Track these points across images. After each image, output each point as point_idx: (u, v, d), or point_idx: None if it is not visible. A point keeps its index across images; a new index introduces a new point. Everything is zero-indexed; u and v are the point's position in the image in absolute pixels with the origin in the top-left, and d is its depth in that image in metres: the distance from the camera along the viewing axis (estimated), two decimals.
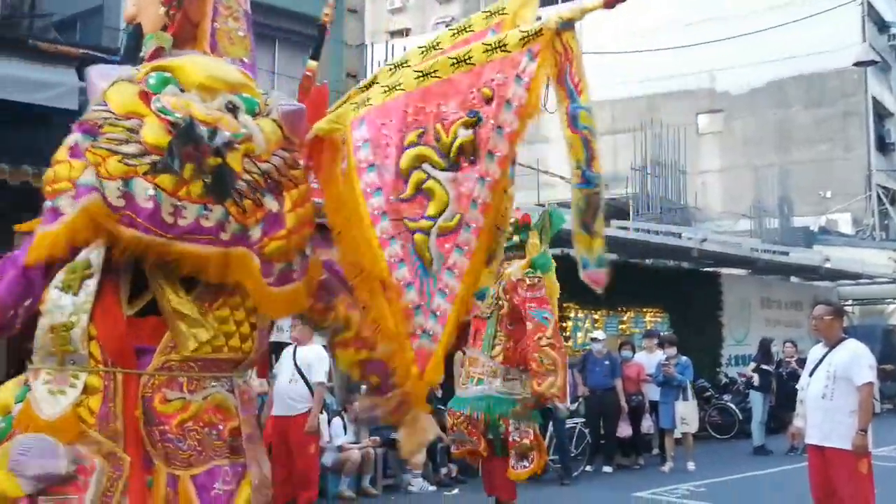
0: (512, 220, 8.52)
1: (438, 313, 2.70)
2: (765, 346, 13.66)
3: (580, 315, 14.87)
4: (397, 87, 2.77)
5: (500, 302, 8.01)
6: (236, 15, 2.86)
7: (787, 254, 18.53)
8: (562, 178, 21.06)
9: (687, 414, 11.29)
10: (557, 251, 15.96)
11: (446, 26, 4.01)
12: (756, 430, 13.15)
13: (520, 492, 9.03)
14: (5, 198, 8.72)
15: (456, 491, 9.58)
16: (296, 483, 8.43)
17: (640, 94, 25.41)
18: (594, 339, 12.04)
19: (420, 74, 2.77)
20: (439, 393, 10.66)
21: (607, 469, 11.34)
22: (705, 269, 17.74)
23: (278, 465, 8.29)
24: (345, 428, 9.66)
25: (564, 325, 14.62)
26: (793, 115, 25.48)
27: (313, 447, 8.45)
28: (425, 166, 2.72)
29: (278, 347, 9.45)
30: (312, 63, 3.28)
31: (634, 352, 12.40)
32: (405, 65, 2.99)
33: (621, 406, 11.39)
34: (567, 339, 14.56)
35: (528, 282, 7.91)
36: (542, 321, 7.61)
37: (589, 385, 11.60)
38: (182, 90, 2.49)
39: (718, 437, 14.20)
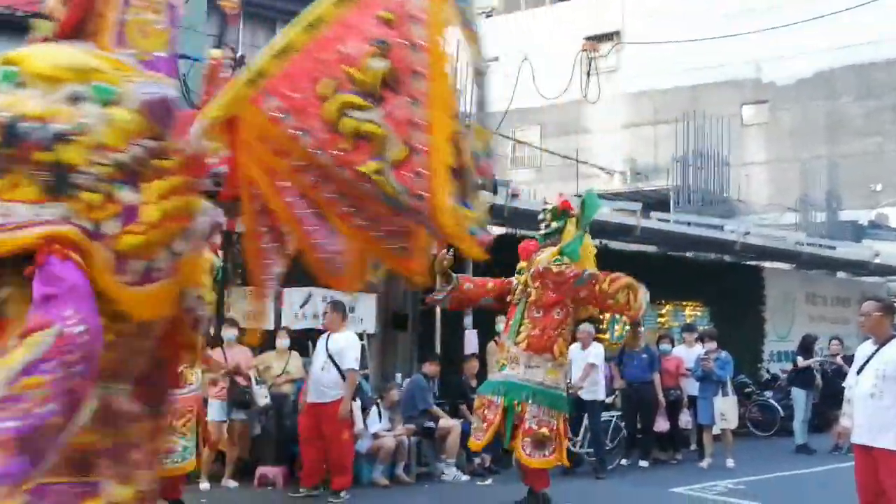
0: (550, 207, 8.53)
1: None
2: (807, 342, 13.46)
3: None
4: (289, 50, 2.68)
5: (529, 289, 8.02)
6: (157, 7, 2.75)
7: (833, 248, 18.22)
8: (602, 168, 20.99)
9: (727, 410, 11.15)
10: (596, 241, 15.96)
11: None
12: (798, 428, 12.95)
13: (555, 484, 9.05)
14: None
15: (489, 481, 9.57)
16: (330, 468, 8.55)
17: (683, 84, 25.08)
18: None
19: (307, 26, 2.69)
20: (473, 383, 10.72)
21: (643, 463, 11.25)
22: (748, 263, 17.52)
23: (311, 451, 8.49)
24: (380, 415, 9.70)
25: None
26: (842, 107, 24.97)
27: (347, 433, 8.54)
28: (352, 112, 2.64)
29: (314, 334, 9.55)
30: (216, 52, 3.23)
31: (673, 345, 12.28)
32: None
33: (659, 400, 11.33)
34: (604, 331, 14.49)
35: (554, 270, 7.91)
36: (588, 279, 7.68)
37: (626, 378, 11.55)
38: (24, 82, 2.39)
39: (759, 434, 14.03)
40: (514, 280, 8.37)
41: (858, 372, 6.11)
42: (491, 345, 11.33)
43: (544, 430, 7.69)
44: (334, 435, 8.43)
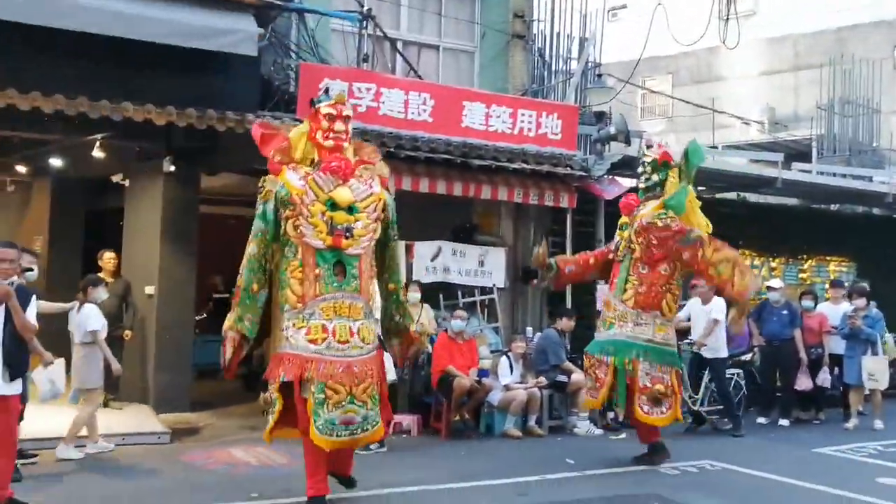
0: (650, 159, 8.49)
1: None
2: None
3: (756, 262, 14.65)
4: None
5: (633, 245, 8.08)
6: None
7: None
8: (739, 118, 20.49)
9: (876, 370, 10.91)
10: (733, 195, 15.82)
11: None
12: None
13: (687, 443, 9.24)
14: (193, 139, 9.56)
15: (623, 435, 9.73)
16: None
17: (828, 26, 24.08)
18: (770, 288, 11.80)
19: None
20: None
21: (784, 422, 11.19)
22: None
23: None
24: (511, 368, 10.02)
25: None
26: None
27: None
28: None
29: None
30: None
31: (817, 302, 12.03)
32: None
33: (800, 358, 11.19)
34: None
35: (659, 224, 7.93)
36: (693, 240, 7.68)
37: (765, 335, 11.45)
38: None
39: None
40: (616, 238, 8.44)
41: None
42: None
43: (659, 386, 7.83)
44: None
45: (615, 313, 8.06)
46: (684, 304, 10.71)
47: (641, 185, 8.54)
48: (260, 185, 6.28)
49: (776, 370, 11.45)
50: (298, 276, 6.01)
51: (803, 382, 11.23)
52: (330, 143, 6.20)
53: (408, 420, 9.71)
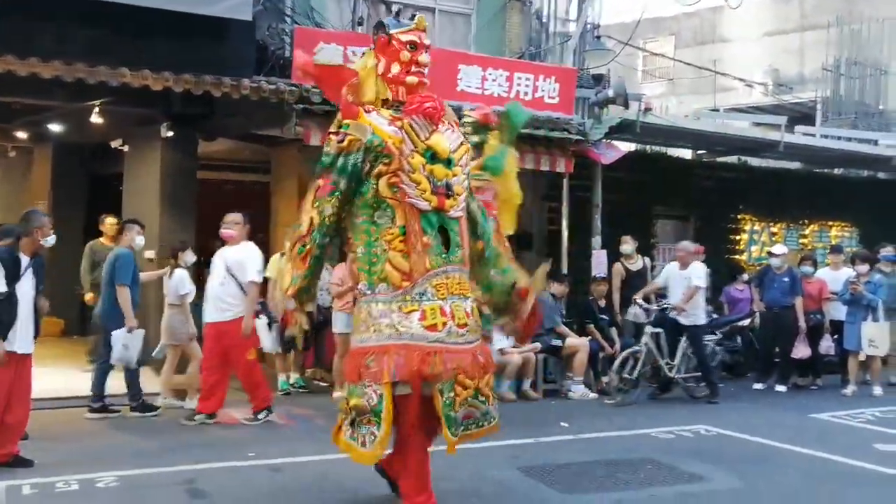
0: (471, 120, 8.33)
1: None
2: None
3: (757, 227, 14.80)
4: None
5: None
6: None
7: None
8: (742, 80, 20.51)
9: (876, 336, 10.99)
10: (734, 159, 15.93)
11: None
12: None
13: (682, 408, 9.44)
14: (190, 105, 9.69)
15: (619, 399, 9.94)
16: (246, 392, 8.51)
17: None
18: (771, 254, 11.88)
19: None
20: (602, 303, 11.11)
21: (780, 388, 11.34)
22: None
23: (212, 373, 8.36)
24: None
25: (738, 237, 14.59)
26: None
27: (251, 353, 8.28)
28: None
29: None
30: None
31: (816, 268, 12.13)
32: None
33: (799, 326, 11.25)
34: (741, 252, 14.51)
35: (475, 184, 7.84)
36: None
37: (765, 301, 11.56)
38: None
39: None
40: None
41: None
42: (616, 265, 11.64)
43: None
44: (238, 356, 8.17)
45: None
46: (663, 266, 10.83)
47: None
48: (334, 130, 4.99)
49: (775, 337, 11.54)
50: (401, 248, 4.89)
51: (801, 351, 11.30)
52: (413, 79, 5.05)
53: None
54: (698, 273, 10.29)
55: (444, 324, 4.85)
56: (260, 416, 8.32)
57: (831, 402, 10.45)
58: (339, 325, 9.59)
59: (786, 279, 11.38)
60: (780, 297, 11.37)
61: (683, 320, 10.27)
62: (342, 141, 4.86)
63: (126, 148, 11.57)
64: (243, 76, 9.28)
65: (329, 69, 5.06)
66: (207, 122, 10.48)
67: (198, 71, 9.04)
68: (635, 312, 10.64)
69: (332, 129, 4.99)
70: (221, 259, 8.30)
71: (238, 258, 8.20)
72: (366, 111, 4.94)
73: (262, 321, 8.60)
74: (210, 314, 8.29)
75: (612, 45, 13.42)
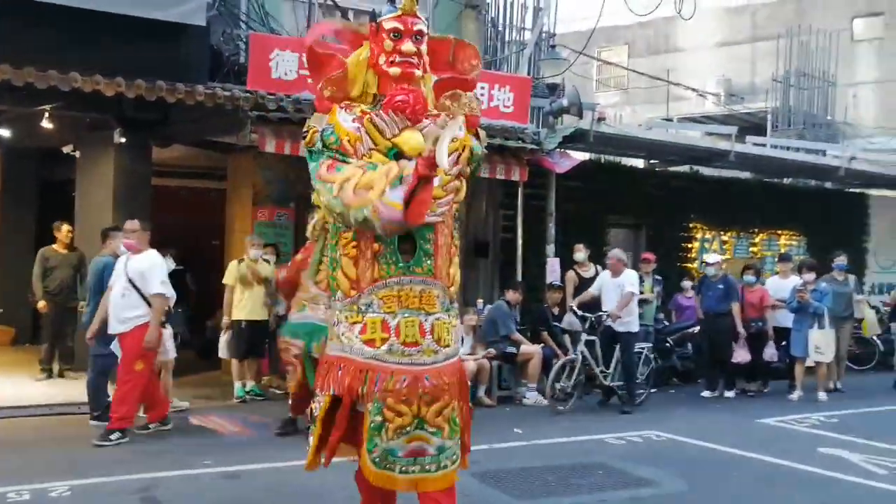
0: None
1: None
2: None
3: (708, 236, 15.08)
4: None
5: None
6: None
7: None
8: (694, 90, 20.91)
9: (822, 343, 11.34)
10: (686, 168, 16.25)
11: None
12: None
13: (629, 415, 9.61)
14: (144, 111, 9.67)
15: (570, 405, 10.11)
16: (115, 398, 8.06)
17: None
18: (706, 263, 12.21)
19: None
20: (556, 311, 11.29)
21: (729, 394, 11.62)
22: (851, 191, 17.48)
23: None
24: (462, 340, 10.37)
25: (690, 245, 14.90)
26: None
27: (143, 364, 7.91)
28: None
29: None
30: None
31: (759, 276, 12.34)
32: None
33: (737, 332, 11.46)
34: (693, 260, 14.82)
35: None
36: None
37: (703, 308, 11.85)
38: None
39: (857, 368, 14.19)
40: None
41: None
42: (569, 273, 11.83)
43: None
44: (125, 363, 7.88)
45: (308, 295, 7.65)
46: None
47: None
48: (305, 129, 4.57)
49: (712, 343, 11.71)
50: (352, 254, 4.42)
51: (740, 355, 11.51)
52: (396, 70, 4.47)
53: None
54: (631, 280, 10.42)
55: (384, 340, 4.30)
56: (112, 438, 7.74)
57: (778, 408, 10.74)
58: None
59: (720, 286, 11.61)
60: (716, 305, 11.61)
61: (618, 327, 10.35)
62: (305, 136, 4.48)
63: (77, 153, 11.50)
64: (198, 82, 9.29)
65: (324, 56, 4.61)
66: (161, 128, 10.47)
67: (151, 76, 9.04)
68: (570, 321, 10.78)
69: (304, 127, 4.58)
70: (123, 269, 7.99)
71: (140, 268, 7.90)
72: (340, 107, 4.50)
73: (167, 331, 8.36)
74: (113, 326, 7.94)
75: (567, 54, 13.62)
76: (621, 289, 10.28)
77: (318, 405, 4.44)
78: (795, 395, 11.48)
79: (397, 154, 4.33)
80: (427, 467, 4.27)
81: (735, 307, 11.54)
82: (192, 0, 9.21)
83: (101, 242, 8.90)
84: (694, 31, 23.73)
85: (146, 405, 8.25)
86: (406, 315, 4.33)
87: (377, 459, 4.24)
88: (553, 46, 13.22)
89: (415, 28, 4.49)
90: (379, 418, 4.23)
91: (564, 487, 6.61)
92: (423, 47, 4.57)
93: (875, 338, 14.36)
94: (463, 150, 4.48)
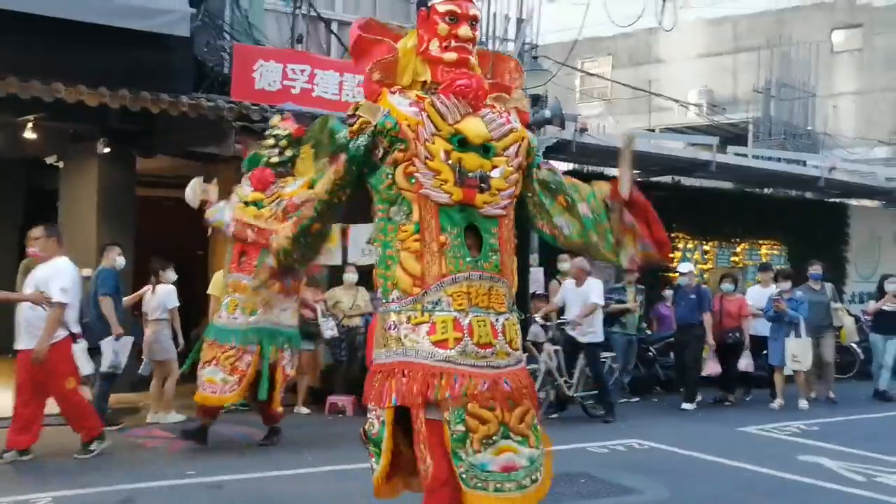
0: (285, 133, 7.96)
1: None
2: (881, 283, 13.11)
3: (690, 246, 15.16)
4: None
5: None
6: None
7: None
8: (677, 101, 21.08)
9: (799, 352, 11.40)
10: (668, 178, 16.38)
11: None
12: (875, 374, 12.87)
13: (612, 424, 9.64)
14: (127, 121, 9.69)
15: (555, 415, 10.18)
16: (69, 422, 7.74)
17: (767, 7, 24.78)
18: (679, 272, 12.26)
19: None
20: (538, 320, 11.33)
21: (709, 400, 11.65)
22: (831, 200, 17.65)
23: (27, 405, 7.48)
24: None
25: (672, 255, 14.99)
26: None
27: (71, 381, 7.48)
28: None
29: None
30: None
31: (737, 284, 12.37)
32: None
33: (706, 342, 11.38)
34: (675, 270, 14.92)
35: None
36: None
37: (676, 318, 11.92)
38: None
39: (837, 376, 14.17)
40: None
41: None
42: (553, 283, 11.87)
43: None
44: (56, 385, 7.39)
45: (256, 297, 7.76)
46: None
47: (275, 160, 8.03)
48: (349, 114, 4.26)
49: (683, 353, 11.68)
50: (415, 248, 4.02)
51: (711, 367, 11.45)
52: (452, 55, 4.16)
53: (343, 401, 10.18)
54: (596, 290, 10.31)
55: (458, 340, 3.91)
56: (92, 448, 7.58)
57: (759, 416, 10.80)
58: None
59: (692, 296, 11.54)
60: (688, 314, 11.56)
61: (581, 338, 10.23)
62: (352, 124, 4.16)
63: (62, 164, 11.50)
64: (182, 93, 9.34)
65: (371, 40, 4.32)
66: (146, 138, 10.49)
67: (135, 87, 9.08)
68: (535, 331, 10.55)
69: (349, 111, 4.28)
70: (32, 279, 7.47)
71: (44, 276, 7.32)
72: (390, 91, 4.20)
73: (80, 345, 7.56)
74: (23, 341, 7.35)
75: (550, 65, 13.72)
76: (585, 298, 10.19)
77: (378, 422, 4.06)
78: (776, 403, 11.54)
79: (461, 140, 4.05)
80: (522, 482, 3.91)
81: (706, 317, 11.41)
82: (176, 11, 9.25)
83: (84, 253, 8.97)
84: (676, 43, 23.93)
85: (20, 427, 7.46)
86: (476, 314, 3.99)
87: (464, 476, 3.81)
88: (535, 58, 13.30)
89: (470, 13, 4.22)
90: (461, 427, 3.80)
91: (548, 496, 6.60)
92: (478, 34, 4.31)
93: (854, 346, 14.45)
94: (521, 142, 4.23)
